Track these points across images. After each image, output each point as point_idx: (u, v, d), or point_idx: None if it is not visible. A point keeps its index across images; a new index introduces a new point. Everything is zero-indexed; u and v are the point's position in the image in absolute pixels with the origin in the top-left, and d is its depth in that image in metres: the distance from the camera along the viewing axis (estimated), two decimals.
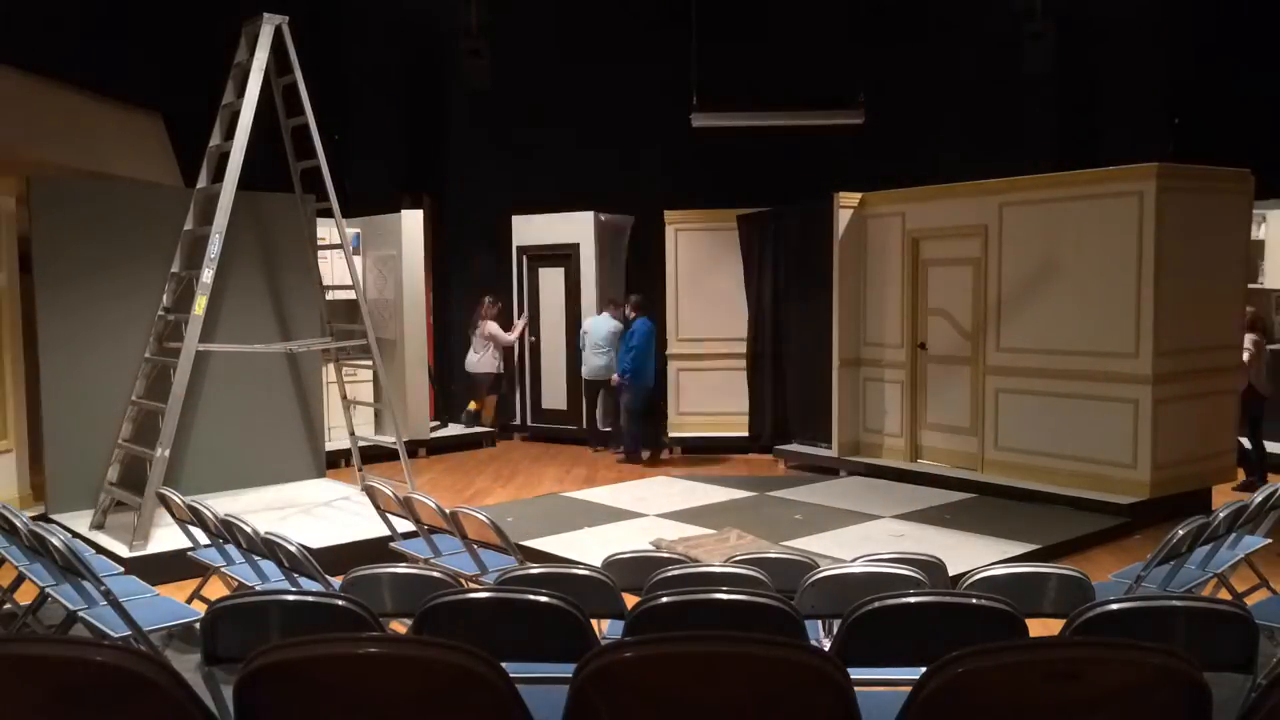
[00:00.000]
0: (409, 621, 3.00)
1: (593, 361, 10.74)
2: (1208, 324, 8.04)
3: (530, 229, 11.90)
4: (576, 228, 11.49)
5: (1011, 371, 8.56)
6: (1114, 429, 7.88)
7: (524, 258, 11.97)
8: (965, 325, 8.96)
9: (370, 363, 8.40)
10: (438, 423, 11.57)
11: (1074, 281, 8.11)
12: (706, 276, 10.81)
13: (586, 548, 6.71)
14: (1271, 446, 9.35)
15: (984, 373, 8.78)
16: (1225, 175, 8.25)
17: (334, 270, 9.61)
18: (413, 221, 10.74)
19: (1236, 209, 8.33)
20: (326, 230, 8.77)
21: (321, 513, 7.75)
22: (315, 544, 6.02)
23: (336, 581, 4.00)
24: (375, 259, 11.03)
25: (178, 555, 5.85)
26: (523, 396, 12.04)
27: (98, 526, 7.16)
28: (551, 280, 11.81)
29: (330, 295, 8.87)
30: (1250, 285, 9.42)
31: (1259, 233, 10.19)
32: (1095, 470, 7.97)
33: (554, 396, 11.78)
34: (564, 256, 11.65)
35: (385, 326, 10.66)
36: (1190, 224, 7.84)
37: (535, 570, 3.99)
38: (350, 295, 8.64)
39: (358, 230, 10.91)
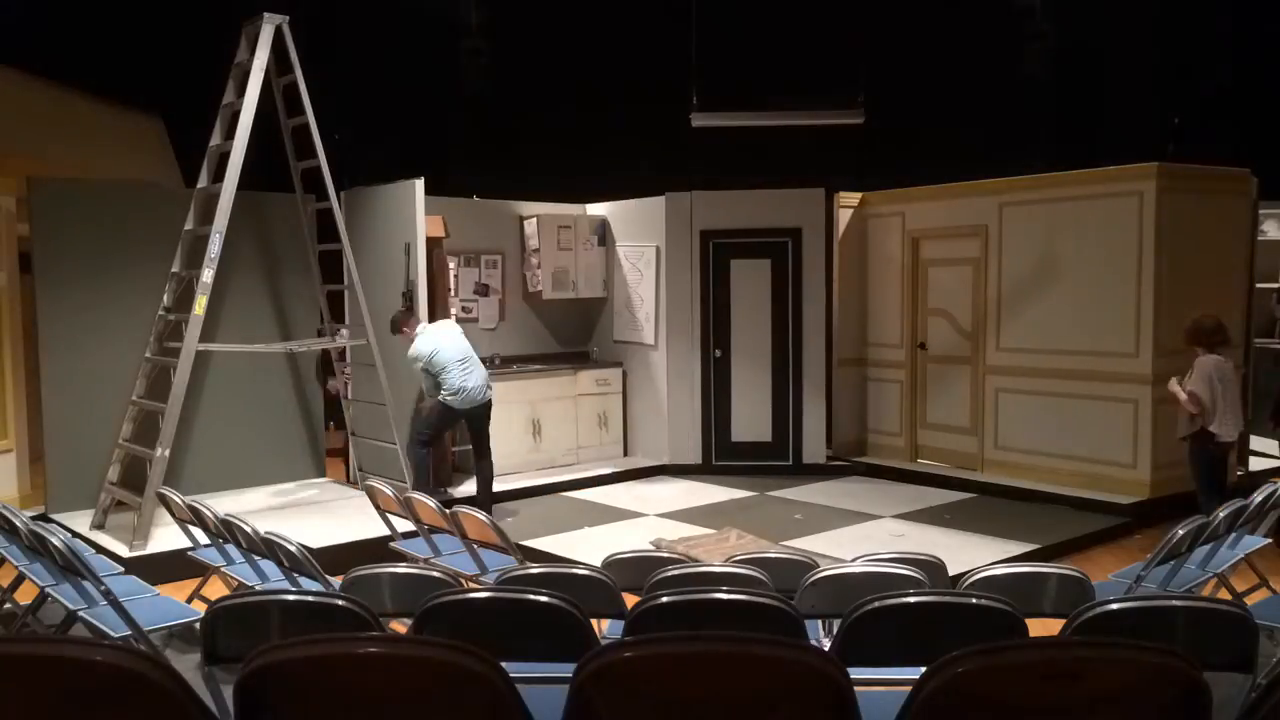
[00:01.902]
0: (409, 621, 3.00)
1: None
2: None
3: (717, 210, 9.43)
4: (798, 208, 9.36)
5: (1011, 371, 8.59)
6: (1114, 429, 7.90)
7: (710, 245, 9.47)
8: (965, 325, 8.98)
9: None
10: None
11: (1074, 281, 8.14)
12: None
13: (586, 548, 6.71)
14: (1273, 447, 9.38)
15: (984, 373, 8.81)
16: (1225, 175, 8.28)
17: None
18: (678, 205, 9.39)
19: (1236, 209, 8.35)
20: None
21: (321, 513, 7.74)
22: (315, 544, 6.01)
23: (336, 581, 4.00)
24: (628, 252, 9.84)
25: (178, 555, 5.85)
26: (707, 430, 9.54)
27: (98, 526, 7.16)
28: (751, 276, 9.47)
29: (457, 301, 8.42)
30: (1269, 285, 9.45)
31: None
32: (1095, 470, 8.00)
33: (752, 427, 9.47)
34: (774, 245, 9.41)
35: (640, 330, 9.70)
36: (1190, 224, 7.86)
37: (535, 570, 4.00)
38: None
39: (604, 217, 10.06)
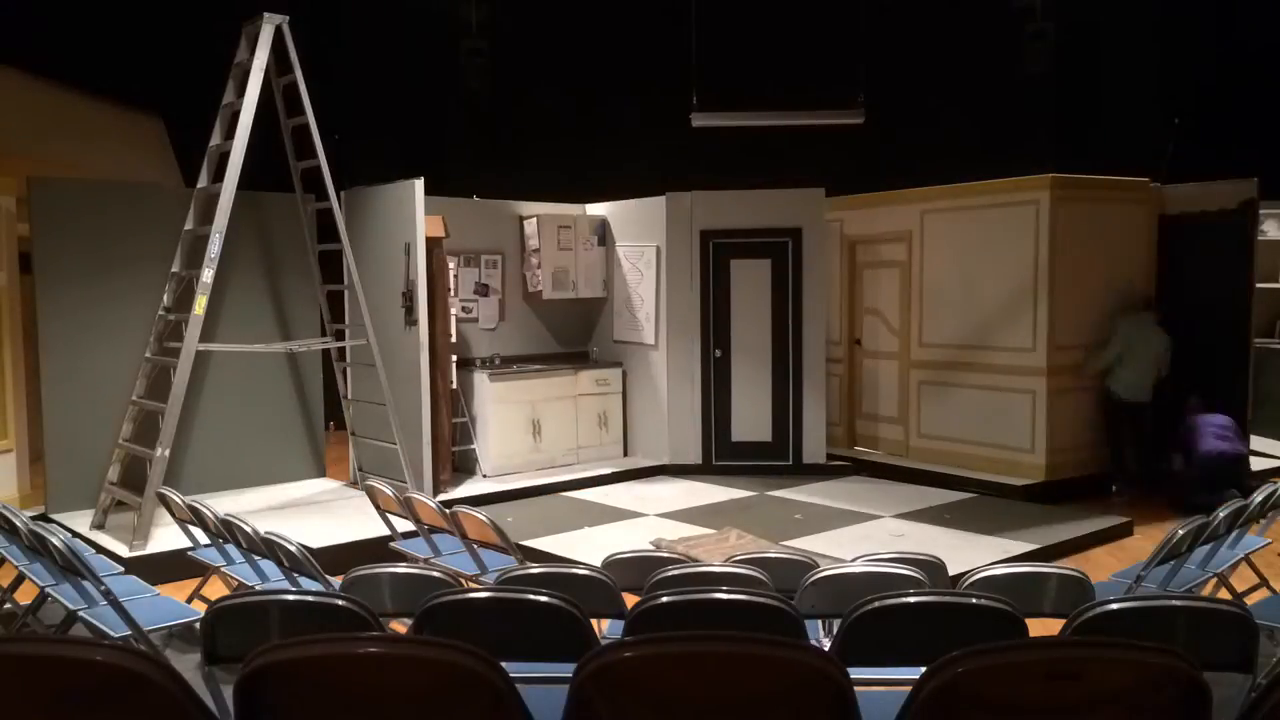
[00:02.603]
0: (409, 621, 3.00)
1: None
2: (1110, 322, 8.54)
3: (717, 210, 9.38)
4: (798, 208, 9.27)
5: (931, 365, 9.26)
6: (1016, 417, 8.60)
7: (710, 245, 9.40)
8: (894, 323, 9.62)
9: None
10: None
11: (983, 282, 8.78)
12: None
13: (587, 548, 6.71)
14: (1273, 447, 9.38)
15: (909, 367, 9.45)
16: (1123, 184, 8.81)
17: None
18: (679, 205, 9.34)
19: (1135, 215, 8.84)
20: None
21: (321, 513, 7.75)
22: (315, 544, 6.02)
23: (336, 581, 4.00)
24: (628, 252, 9.82)
25: (178, 555, 5.85)
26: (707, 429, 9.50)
27: (98, 526, 7.16)
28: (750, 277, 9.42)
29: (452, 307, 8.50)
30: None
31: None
32: (1002, 455, 8.69)
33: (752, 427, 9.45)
34: (774, 245, 9.35)
35: (640, 330, 9.67)
36: (1085, 230, 8.44)
37: (535, 570, 3.99)
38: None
39: (604, 217, 10.03)
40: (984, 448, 8.79)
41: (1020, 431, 8.54)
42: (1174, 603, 2.98)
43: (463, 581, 3.91)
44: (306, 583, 4.25)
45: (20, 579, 4.98)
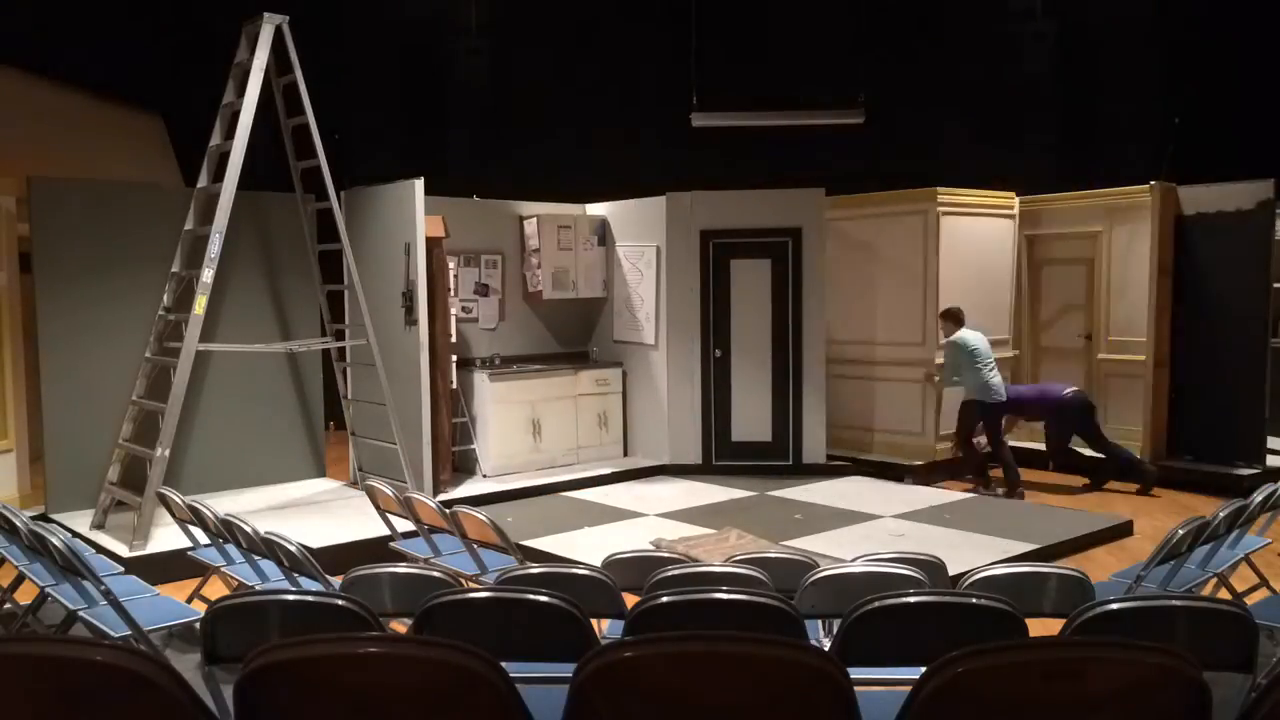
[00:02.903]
0: (409, 621, 3.00)
1: None
2: (986, 320, 9.27)
3: (717, 210, 9.37)
4: (798, 208, 9.29)
5: (841, 360, 9.89)
6: (910, 404, 9.50)
7: (710, 245, 9.40)
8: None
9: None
10: None
11: (882, 283, 9.62)
12: None
13: (586, 548, 6.71)
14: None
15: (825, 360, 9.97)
16: (992, 198, 9.68)
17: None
18: (679, 205, 9.36)
19: (1002, 227, 9.80)
20: None
21: (321, 513, 7.75)
22: (315, 544, 6.02)
23: (336, 581, 4.00)
24: (628, 252, 9.83)
25: (178, 555, 5.86)
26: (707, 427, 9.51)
27: (98, 526, 7.16)
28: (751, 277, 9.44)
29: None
30: None
31: None
32: (897, 439, 9.61)
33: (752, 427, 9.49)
34: (774, 245, 9.37)
35: (640, 330, 9.70)
36: (965, 239, 9.41)
37: (535, 570, 3.99)
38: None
39: (604, 217, 10.04)
40: (882, 434, 9.74)
41: (913, 417, 9.54)
42: (1174, 603, 2.97)
43: (463, 581, 3.91)
44: (306, 583, 4.25)
45: (20, 579, 4.98)
